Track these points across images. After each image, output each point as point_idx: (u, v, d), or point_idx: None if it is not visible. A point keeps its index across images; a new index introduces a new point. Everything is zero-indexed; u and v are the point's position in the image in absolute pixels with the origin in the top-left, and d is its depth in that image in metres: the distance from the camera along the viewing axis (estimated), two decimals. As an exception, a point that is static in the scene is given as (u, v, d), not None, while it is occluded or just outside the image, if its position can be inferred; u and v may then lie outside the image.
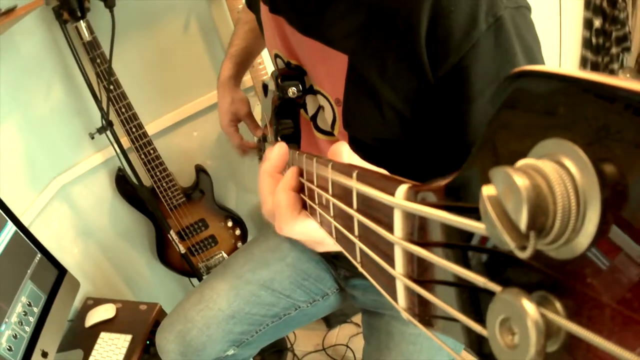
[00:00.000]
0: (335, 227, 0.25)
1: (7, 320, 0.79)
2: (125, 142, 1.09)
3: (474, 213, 0.13)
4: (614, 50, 1.54)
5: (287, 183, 0.31)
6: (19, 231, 0.88)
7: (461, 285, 0.14)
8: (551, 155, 0.11)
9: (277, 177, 0.33)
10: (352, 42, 0.47)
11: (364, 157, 0.30)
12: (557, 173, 0.10)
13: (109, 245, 1.30)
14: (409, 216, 0.16)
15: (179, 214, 1.22)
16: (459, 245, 0.14)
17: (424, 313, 0.16)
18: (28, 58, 1.03)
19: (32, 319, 0.86)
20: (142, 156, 1.10)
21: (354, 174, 0.21)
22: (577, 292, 0.10)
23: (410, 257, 0.17)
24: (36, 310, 0.87)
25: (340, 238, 0.25)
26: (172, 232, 1.17)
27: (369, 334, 0.73)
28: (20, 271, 0.86)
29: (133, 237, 1.33)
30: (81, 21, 0.95)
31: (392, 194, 0.17)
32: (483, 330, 0.12)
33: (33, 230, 0.93)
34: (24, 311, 0.84)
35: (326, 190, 0.26)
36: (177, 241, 1.17)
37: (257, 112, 1.22)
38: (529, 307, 0.10)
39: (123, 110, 1.04)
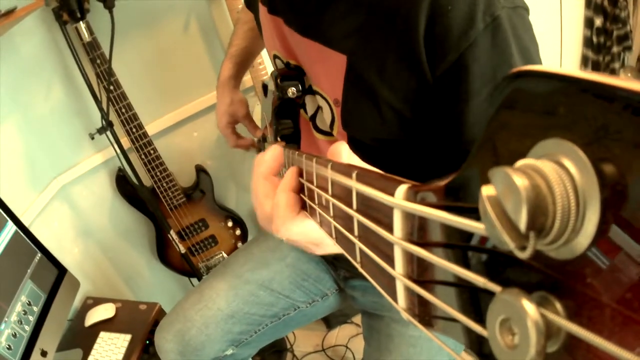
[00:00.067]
0: (335, 228, 0.25)
1: (6, 319, 0.79)
2: (126, 142, 1.09)
3: (473, 213, 0.13)
4: (615, 49, 1.54)
5: (286, 183, 0.31)
6: (19, 231, 0.88)
7: (461, 285, 0.14)
8: (550, 155, 0.11)
9: (272, 180, 0.33)
10: (351, 42, 0.47)
11: (363, 157, 0.30)
12: (556, 173, 0.10)
13: (109, 245, 1.30)
14: (408, 216, 0.16)
15: (179, 214, 1.22)
16: (458, 245, 0.14)
17: (424, 313, 0.16)
18: (28, 59, 1.03)
19: (32, 318, 0.86)
20: (143, 156, 1.10)
21: (354, 174, 0.21)
22: (577, 293, 0.10)
23: (410, 257, 0.17)
24: (36, 309, 0.87)
25: (340, 238, 0.25)
26: (172, 232, 1.17)
27: (369, 336, 0.74)
28: (20, 270, 0.86)
29: (133, 237, 1.34)
30: (81, 22, 0.95)
31: (392, 194, 0.17)
32: (483, 331, 0.12)
33: (33, 230, 0.93)
34: (24, 310, 0.84)
35: (326, 191, 0.26)
36: (177, 241, 1.17)
37: (258, 112, 1.22)
38: (529, 307, 0.10)
39: (123, 110, 1.04)
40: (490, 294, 0.12)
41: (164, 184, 1.16)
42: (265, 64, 1.15)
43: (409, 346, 0.66)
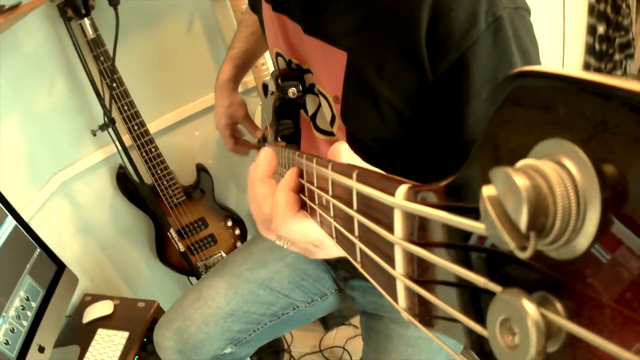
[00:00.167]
0: (336, 228, 0.25)
1: (4, 314, 0.79)
2: (127, 139, 1.09)
3: (474, 213, 0.13)
4: (617, 56, 1.54)
5: (286, 183, 0.31)
6: (18, 226, 0.88)
7: (461, 285, 0.14)
8: (551, 155, 0.11)
9: (269, 182, 0.33)
10: (352, 40, 0.47)
11: (364, 157, 0.30)
12: (557, 173, 0.10)
13: (108, 242, 1.30)
14: (409, 216, 0.16)
15: (179, 213, 1.22)
16: (459, 245, 0.14)
17: (424, 313, 0.16)
18: (32, 55, 1.03)
19: (30, 314, 0.86)
20: (144, 154, 1.10)
21: (354, 174, 0.21)
22: (577, 293, 0.10)
23: (410, 257, 0.17)
24: (34, 304, 0.87)
25: (340, 239, 0.25)
26: (171, 230, 1.17)
27: (367, 336, 0.73)
28: (19, 266, 0.86)
29: (133, 235, 1.34)
30: (85, 19, 0.95)
31: (392, 194, 0.17)
32: (483, 331, 0.12)
33: (33, 225, 0.93)
34: (22, 305, 0.84)
35: (326, 191, 0.26)
36: (176, 239, 1.17)
37: (259, 113, 1.22)
38: (530, 307, 0.10)
39: (125, 108, 1.04)
40: (491, 294, 0.12)
41: (165, 182, 1.16)
42: (268, 65, 1.15)
43: (408, 347, 0.66)
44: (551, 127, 0.11)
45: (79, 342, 1.01)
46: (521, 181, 0.10)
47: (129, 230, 1.32)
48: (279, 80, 0.56)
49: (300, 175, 0.31)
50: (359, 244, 0.21)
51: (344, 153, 0.29)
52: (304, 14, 0.52)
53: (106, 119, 1.03)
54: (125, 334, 1.01)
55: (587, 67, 1.59)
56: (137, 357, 0.99)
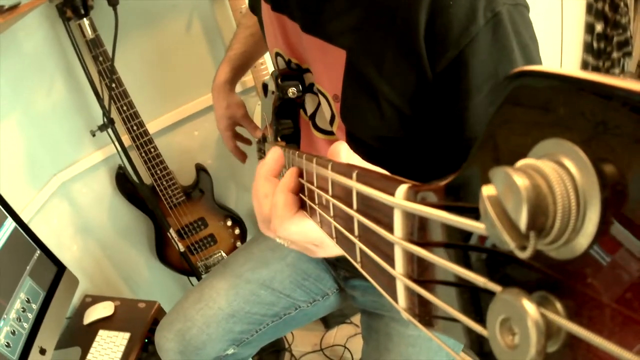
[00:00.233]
0: (335, 228, 0.25)
1: (5, 316, 0.79)
2: (126, 140, 1.09)
3: (474, 213, 0.13)
4: (615, 54, 1.54)
5: (285, 184, 0.31)
6: (18, 227, 0.88)
7: (461, 285, 0.14)
8: (551, 155, 0.11)
9: (272, 181, 0.33)
10: (351, 38, 0.47)
11: (364, 156, 0.30)
12: (557, 173, 0.10)
13: (108, 243, 1.30)
14: (409, 216, 0.16)
15: (178, 213, 1.22)
16: (459, 245, 0.14)
17: (424, 313, 0.16)
18: (31, 55, 1.03)
19: (31, 316, 0.86)
20: (143, 154, 1.10)
21: (354, 174, 0.21)
22: (577, 292, 0.10)
23: (410, 257, 0.17)
24: (35, 306, 0.87)
25: (340, 238, 0.25)
26: (171, 230, 1.17)
27: (368, 335, 0.73)
28: (19, 267, 0.86)
29: (132, 235, 1.33)
30: (84, 19, 0.95)
31: (392, 194, 0.17)
32: (483, 331, 0.12)
33: (32, 227, 0.93)
34: (23, 307, 0.84)
35: (326, 191, 0.26)
36: (176, 240, 1.17)
37: (257, 112, 1.22)
38: (530, 307, 0.10)
39: (124, 108, 1.04)
40: (491, 294, 0.12)
41: (164, 183, 1.16)
42: (266, 65, 1.15)
43: (408, 346, 0.66)
44: (551, 127, 0.11)
45: (80, 344, 1.01)
46: (521, 181, 0.10)
47: (128, 231, 1.32)
48: (279, 80, 0.56)
49: (300, 175, 0.31)
50: (359, 244, 0.21)
51: (343, 152, 0.29)
52: (302, 12, 0.52)
53: (105, 120, 1.03)
54: (127, 335, 1.01)
55: (585, 65, 1.59)
56: (138, 357, 0.99)
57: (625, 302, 0.09)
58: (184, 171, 1.27)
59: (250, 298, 0.73)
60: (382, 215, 0.18)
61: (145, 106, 1.11)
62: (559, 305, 0.10)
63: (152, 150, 1.11)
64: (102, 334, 1.02)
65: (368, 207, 0.20)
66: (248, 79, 1.23)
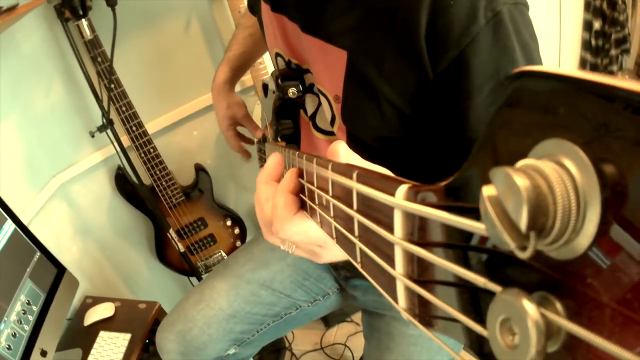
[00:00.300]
0: (336, 228, 0.25)
1: (6, 318, 0.79)
2: (125, 140, 1.09)
3: (474, 213, 0.13)
4: (613, 52, 1.54)
5: (285, 185, 0.31)
6: (18, 229, 0.88)
7: (461, 285, 0.14)
8: (551, 155, 0.11)
9: (273, 185, 0.33)
10: (351, 38, 0.47)
11: (365, 157, 0.30)
12: (557, 173, 0.10)
13: (108, 244, 1.30)
14: (409, 216, 0.16)
15: (178, 213, 1.22)
16: (459, 245, 0.14)
17: (424, 313, 0.16)
18: (29, 56, 1.03)
19: (31, 318, 0.86)
20: (142, 155, 1.10)
21: (354, 175, 0.21)
22: (577, 293, 0.10)
23: (410, 257, 0.17)
24: (35, 308, 0.87)
25: (340, 239, 0.25)
26: (171, 230, 1.17)
27: (369, 334, 0.74)
28: (19, 270, 0.86)
29: (132, 236, 1.33)
30: (83, 19, 0.95)
31: (392, 194, 0.17)
32: (483, 331, 0.12)
33: (32, 229, 0.92)
34: (23, 310, 0.84)
35: (326, 191, 0.26)
36: (176, 240, 1.17)
37: (257, 112, 1.22)
38: (530, 307, 0.10)
39: (123, 109, 1.04)
40: (491, 294, 0.12)
41: (164, 183, 1.16)
42: (265, 64, 1.15)
43: (410, 345, 0.66)
44: (551, 127, 0.11)
45: (81, 345, 1.01)
46: (521, 181, 0.10)
47: (128, 232, 1.32)
48: (279, 80, 0.56)
49: (300, 175, 0.31)
50: (359, 244, 0.22)
51: (342, 152, 0.29)
52: (302, 13, 0.52)
53: (104, 120, 1.03)
54: (127, 336, 1.01)
55: (583, 62, 1.59)
56: (139, 358, 0.99)
57: (625, 303, 0.09)
58: (183, 171, 1.27)
59: (251, 298, 0.73)
60: (382, 215, 0.18)
61: (144, 106, 1.11)
62: (559, 306, 0.10)
63: (152, 150, 1.11)
64: (103, 335, 1.02)
65: (368, 207, 0.20)
66: (247, 78, 1.23)
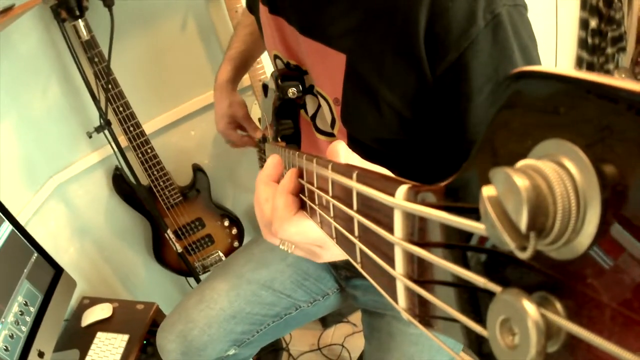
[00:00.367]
0: (336, 228, 0.25)
1: (3, 319, 0.79)
2: (123, 141, 1.08)
3: (474, 213, 0.13)
4: (609, 50, 1.55)
5: (285, 185, 0.31)
6: (15, 230, 0.88)
7: (461, 285, 0.14)
8: (551, 155, 0.11)
9: (272, 185, 0.33)
10: (350, 41, 0.47)
11: (364, 158, 0.30)
12: (557, 174, 0.10)
13: (105, 245, 1.30)
14: (409, 217, 0.16)
15: (175, 213, 1.22)
16: (459, 245, 0.14)
17: (424, 313, 0.16)
18: (25, 57, 1.02)
19: (29, 319, 0.85)
20: (140, 155, 1.10)
21: (354, 175, 0.21)
22: (577, 293, 0.10)
23: (410, 257, 0.17)
24: (32, 309, 0.87)
25: (340, 239, 0.25)
26: (169, 231, 1.16)
27: (369, 334, 0.74)
28: (16, 270, 0.86)
29: (129, 236, 1.33)
30: (79, 20, 0.94)
31: (392, 194, 0.17)
32: (483, 331, 0.13)
33: (29, 230, 0.92)
34: (21, 311, 0.83)
35: (326, 191, 0.26)
36: (174, 240, 1.17)
37: (254, 112, 1.22)
38: (530, 307, 0.10)
39: (121, 109, 1.04)
40: (491, 294, 0.12)
41: (161, 183, 1.16)
42: (263, 64, 1.15)
43: (411, 344, 0.66)
44: (551, 128, 0.11)
45: (79, 346, 1.01)
46: (521, 181, 0.10)
47: (125, 232, 1.32)
48: (279, 80, 0.56)
49: (300, 175, 0.31)
50: (359, 244, 0.22)
51: (342, 152, 0.29)
52: (300, 16, 0.52)
53: (102, 121, 1.02)
54: (125, 337, 1.01)
55: (579, 60, 1.60)
56: (137, 359, 0.99)
57: (625, 303, 0.09)
58: (181, 171, 1.27)
59: (252, 299, 0.73)
60: (382, 215, 0.18)
61: (142, 107, 1.10)
62: (559, 306, 0.10)
63: (149, 151, 1.10)
64: (101, 336, 1.02)
65: (368, 207, 0.20)
66: (244, 78, 1.23)
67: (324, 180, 0.26)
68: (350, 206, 0.22)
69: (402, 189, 0.17)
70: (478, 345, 0.13)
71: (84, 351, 0.99)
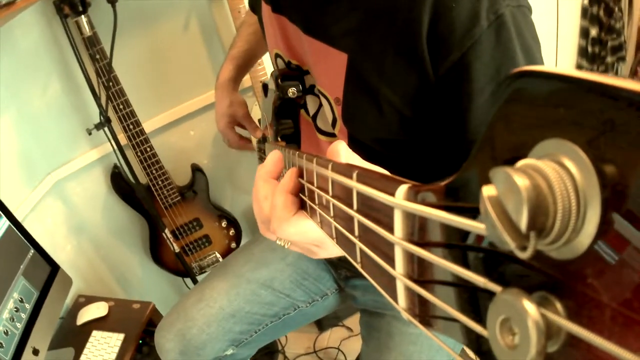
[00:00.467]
0: (336, 228, 0.25)
1: (-3, 316, 0.78)
2: (122, 139, 1.08)
3: (474, 213, 0.13)
4: (609, 59, 1.55)
5: (284, 185, 0.31)
6: (12, 226, 0.87)
7: (461, 285, 0.14)
8: (551, 155, 0.11)
9: (272, 183, 0.33)
10: (352, 40, 0.47)
11: (365, 158, 0.30)
12: (557, 173, 0.10)
13: (102, 243, 1.29)
14: (409, 216, 0.17)
15: (173, 213, 1.22)
16: (459, 245, 0.14)
17: (424, 313, 0.16)
18: (27, 52, 1.02)
19: (24, 316, 0.85)
20: (139, 154, 1.10)
21: (354, 175, 0.21)
22: (577, 293, 0.10)
23: (410, 257, 0.17)
24: (28, 306, 0.86)
25: (340, 239, 0.25)
26: (166, 230, 1.16)
27: (368, 335, 0.73)
28: (12, 267, 0.85)
29: (127, 235, 1.33)
30: (82, 16, 0.94)
31: (392, 194, 0.17)
32: (483, 331, 0.13)
33: (26, 226, 0.92)
34: (16, 307, 0.83)
35: (326, 191, 0.26)
36: (171, 240, 1.17)
37: (255, 112, 1.22)
38: (530, 307, 0.10)
39: (121, 107, 1.04)
40: (491, 294, 0.12)
41: (160, 182, 1.15)
42: (264, 65, 1.15)
43: (410, 344, 0.66)
44: (551, 127, 0.11)
45: (74, 345, 1.00)
46: (521, 181, 0.10)
47: (122, 231, 1.31)
48: (279, 80, 0.56)
49: (300, 175, 0.31)
50: (359, 244, 0.22)
51: (343, 152, 0.29)
52: (303, 15, 0.52)
53: (102, 118, 1.02)
54: (121, 336, 1.00)
55: (579, 69, 1.60)
56: (133, 359, 0.98)
57: (626, 302, 0.09)
58: (180, 171, 1.27)
59: (251, 298, 0.73)
60: (382, 215, 0.18)
61: (142, 105, 1.10)
62: (559, 306, 0.10)
63: (148, 149, 1.10)
64: (96, 335, 1.02)
65: (368, 207, 0.20)
66: (245, 79, 1.23)
67: (324, 179, 0.26)
68: (351, 206, 0.22)
69: (402, 189, 0.17)
70: (478, 345, 0.13)
71: (79, 350, 0.99)
